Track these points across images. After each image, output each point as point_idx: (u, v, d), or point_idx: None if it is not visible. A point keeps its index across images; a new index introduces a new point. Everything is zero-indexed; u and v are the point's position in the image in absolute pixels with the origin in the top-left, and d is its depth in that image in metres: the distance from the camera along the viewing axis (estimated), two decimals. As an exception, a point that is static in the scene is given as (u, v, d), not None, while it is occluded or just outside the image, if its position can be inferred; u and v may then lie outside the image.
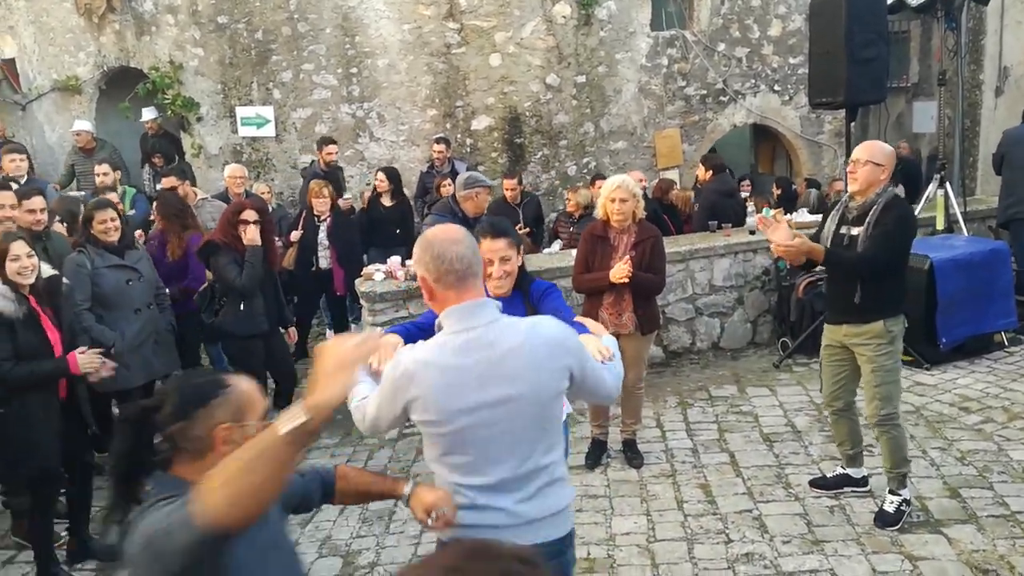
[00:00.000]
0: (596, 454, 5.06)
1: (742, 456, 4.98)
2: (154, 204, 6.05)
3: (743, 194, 9.33)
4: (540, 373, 2.20)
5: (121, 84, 9.82)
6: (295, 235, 6.87)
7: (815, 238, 4.14)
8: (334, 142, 8.23)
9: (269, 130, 9.41)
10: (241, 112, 9.40)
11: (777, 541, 4.03)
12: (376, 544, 4.32)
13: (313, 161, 8.20)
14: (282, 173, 9.56)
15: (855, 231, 3.96)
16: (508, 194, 7.72)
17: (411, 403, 2.18)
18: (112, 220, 4.83)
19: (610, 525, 4.32)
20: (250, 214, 5.15)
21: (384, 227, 7.56)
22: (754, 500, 4.45)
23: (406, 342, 2.53)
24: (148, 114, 9.39)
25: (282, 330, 5.68)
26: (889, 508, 4.09)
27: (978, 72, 11.09)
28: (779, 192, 9.64)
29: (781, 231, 3.91)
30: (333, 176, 7.99)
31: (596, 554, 4.05)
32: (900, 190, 9.84)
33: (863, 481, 4.42)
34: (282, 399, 5.54)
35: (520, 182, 8.00)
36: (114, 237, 4.83)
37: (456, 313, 2.20)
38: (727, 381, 6.31)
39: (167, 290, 5.35)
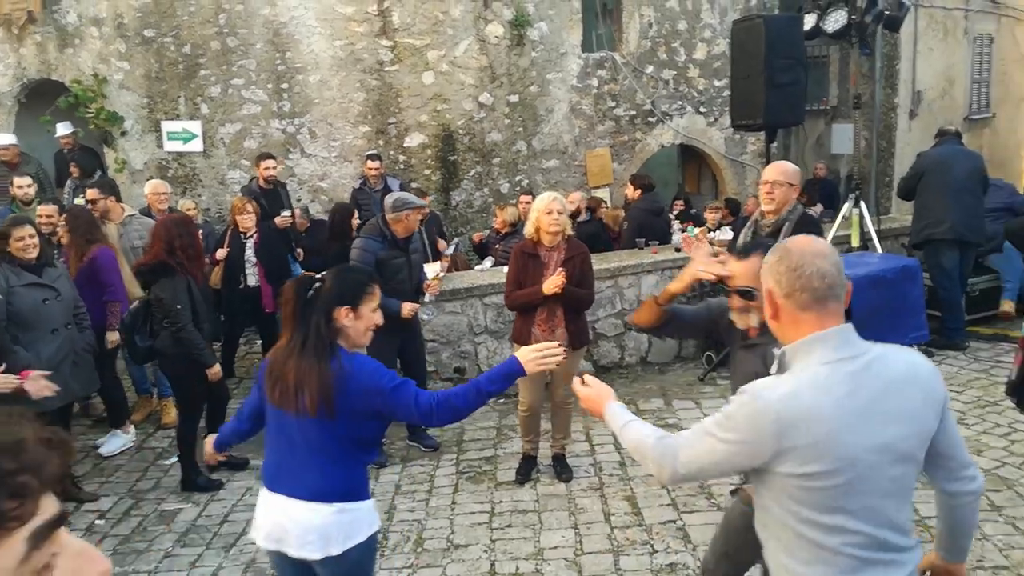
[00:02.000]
0: (526, 469, 5.10)
1: (668, 468, 5.08)
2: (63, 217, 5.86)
3: (674, 212, 9.56)
4: (926, 410, 1.90)
5: (42, 97, 9.55)
6: (220, 253, 6.76)
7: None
8: (272, 157, 7.99)
9: (196, 145, 9.26)
10: (167, 126, 9.23)
11: (700, 551, 4.13)
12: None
13: (252, 179, 8.00)
14: (209, 189, 9.41)
15: None
16: None
17: (787, 452, 1.79)
18: (31, 237, 4.70)
19: (539, 539, 4.36)
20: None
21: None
22: (678, 511, 4.55)
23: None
24: (62, 129, 9.07)
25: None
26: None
27: (893, 96, 11.61)
28: (727, 211, 9.88)
29: (701, 252, 4.03)
30: (275, 193, 7.82)
31: (524, 569, 4.08)
32: (819, 208, 10.23)
33: None
34: (214, 421, 5.42)
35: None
36: (32, 254, 4.69)
37: (831, 339, 1.88)
38: (654, 395, 6.43)
39: (85, 308, 5.20)
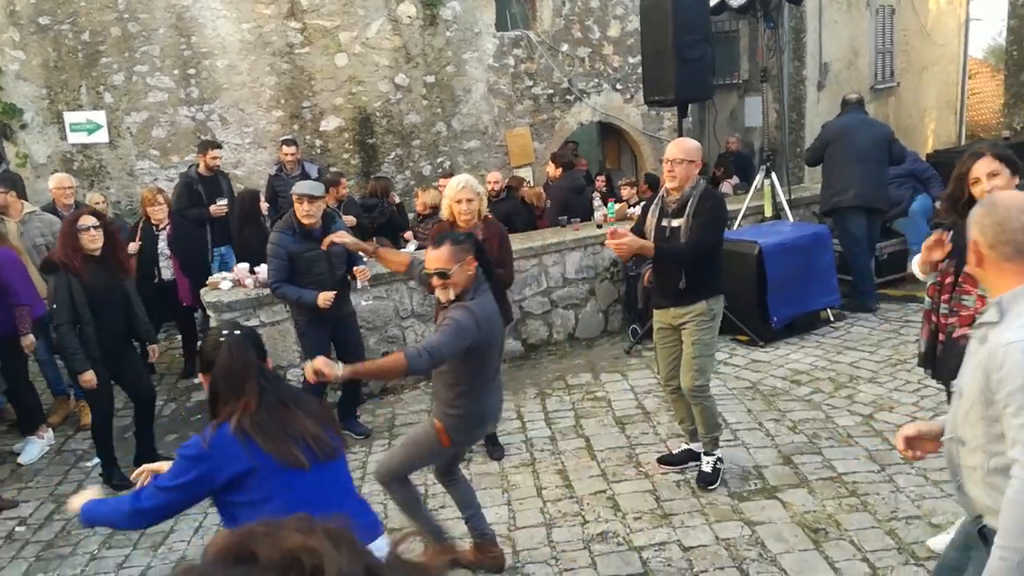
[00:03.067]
0: (457, 450, 5.12)
1: (597, 440, 5.18)
2: None
3: (598, 191, 9.65)
4: None
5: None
6: (133, 247, 6.52)
7: (638, 232, 4.39)
8: (218, 146, 7.74)
9: (102, 136, 8.91)
10: (70, 117, 8.86)
11: (629, 518, 4.22)
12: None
13: (191, 166, 7.69)
14: (118, 181, 9.07)
15: (676, 223, 4.27)
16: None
17: None
18: None
19: (472, 518, 4.38)
20: (87, 219, 4.84)
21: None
22: (608, 481, 4.64)
23: None
24: None
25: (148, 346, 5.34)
26: (707, 468, 4.47)
27: (801, 68, 11.90)
28: (646, 187, 10.01)
29: (617, 236, 4.17)
30: (214, 181, 7.57)
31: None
32: (734, 181, 10.46)
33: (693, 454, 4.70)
34: (142, 422, 5.28)
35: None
36: None
37: None
38: (583, 369, 6.52)
39: None
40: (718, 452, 4.53)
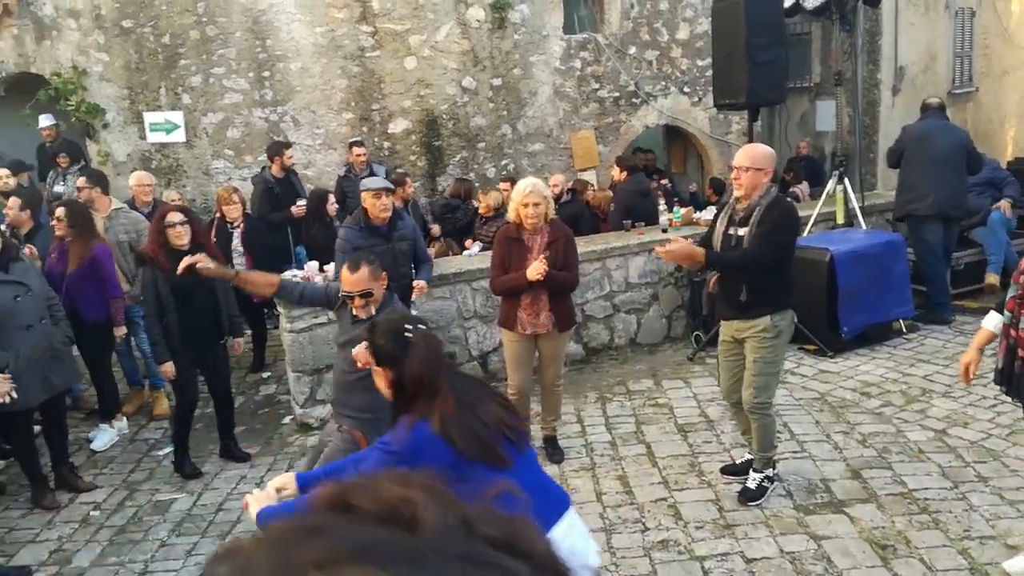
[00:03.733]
0: (517, 452, 5.13)
1: (658, 447, 5.13)
2: (58, 210, 5.78)
3: (661, 189, 9.58)
4: None
5: (21, 91, 9.45)
6: (208, 244, 6.74)
7: (707, 241, 4.32)
8: (290, 146, 7.94)
9: (179, 135, 9.20)
10: (149, 118, 9.17)
11: (691, 527, 4.18)
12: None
13: (264, 168, 7.91)
14: (194, 179, 9.36)
15: (742, 232, 4.15)
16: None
17: None
18: None
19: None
20: (174, 216, 5.01)
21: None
22: (669, 489, 4.60)
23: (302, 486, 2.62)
24: (45, 121, 8.98)
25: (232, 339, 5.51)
26: (751, 485, 4.36)
27: (876, 72, 11.61)
28: (711, 191, 9.92)
29: (670, 246, 4.13)
30: (288, 182, 7.75)
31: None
32: (804, 186, 10.26)
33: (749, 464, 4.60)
34: (221, 415, 5.46)
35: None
36: None
37: None
38: (644, 375, 6.47)
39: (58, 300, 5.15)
40: (769, 471, 4.40)
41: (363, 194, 5.25)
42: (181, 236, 4.93)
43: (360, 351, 3.03)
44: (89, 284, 5.48)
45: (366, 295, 3.69)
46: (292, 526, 0.53)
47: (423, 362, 2.47)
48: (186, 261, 4.10)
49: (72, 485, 5.11)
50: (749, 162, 4.09)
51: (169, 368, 5.06)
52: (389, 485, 0.57)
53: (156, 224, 5.03)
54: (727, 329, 4.37)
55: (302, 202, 7.49)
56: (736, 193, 4.19)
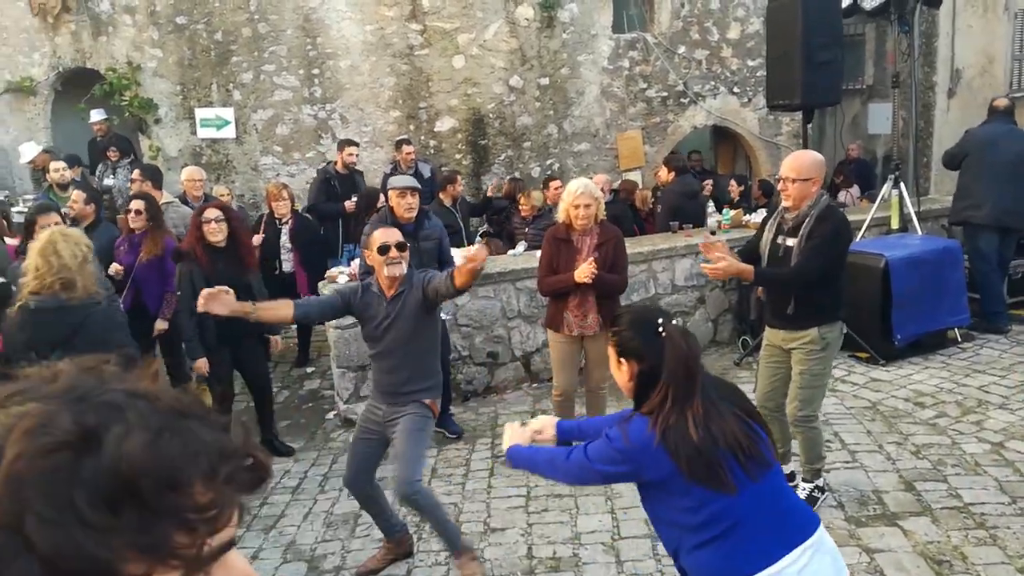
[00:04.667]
0: (561, 454, 5.09)
1: (704, 453, 5.05)
2: (135, 202, 5.85)
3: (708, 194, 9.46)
4: None
5: (77, 85, 9.66)
6: (256, 239, 6.80)
7: (753, 246, 4.23)
8: (355, 144, 8.04)
9: (229, 132, 9.33)
10: (200, 113, 9.30)
11: (739, 536, 4.10)
12: (341, 548, 4.31)
13: (330, 163, 8.06)
14: (243, 175, 9.47)
15: (790, 242, 4.03)
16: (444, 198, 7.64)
17: None
18: (56, 225, 4.74)
19: (575, 524, 4.36)
20: (211, 212, 5.07)
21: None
22: (716, 496, 4.52)
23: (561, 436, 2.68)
24: (96, 115, 9.14)
25: (270, 337, 5.53)
26: (801, 495, 4.22)
27: (931, 74, 11.34)
28: (740, 189, 9.77)
29: (716, 252, 3.99)
30: (350, 179, 7.85)
31: (562, 553, 4.08)
32: (855, 190, 10.06)
33: (790, 476, 4.48)
34: (261, 410, 5.50)
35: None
36: None
37: None
38: (690, 379, 6.37)
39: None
40: (819, 481, 4.31)
41: (389, 192, 5.27)
42: (215, 233, 4.99)
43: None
44: (155, 277, 5.60)
45: (402, 246, 3.72)
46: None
47: (681, 358, 2.29)
48: (204, 298, 3.53)
49: None
50: (795, 173, 3.96)
51: (202, 364, 5.11)
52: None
53: (195, 219, 5.11)
54: (773, 336, 4.27)
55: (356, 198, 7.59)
56: (784, 203, 4.08)
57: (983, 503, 4.25)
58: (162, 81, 9.35)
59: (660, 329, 2.34)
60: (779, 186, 4.13)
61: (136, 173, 6.41)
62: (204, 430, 0.71)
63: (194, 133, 9.40)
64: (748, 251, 4.35)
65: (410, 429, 3.79)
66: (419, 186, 5.33)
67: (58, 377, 0.70)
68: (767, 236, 4.20)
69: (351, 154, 7.78)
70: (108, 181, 8.52)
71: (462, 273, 3.62)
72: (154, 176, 6.43)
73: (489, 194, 8.93)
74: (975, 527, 4.04)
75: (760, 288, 6.67)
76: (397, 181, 5.32)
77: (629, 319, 2.51)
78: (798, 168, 3.98)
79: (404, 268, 3.73)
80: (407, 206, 5.11)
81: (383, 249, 3.70)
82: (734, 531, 2.27)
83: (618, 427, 2.37)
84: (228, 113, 9.29)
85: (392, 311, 3.79)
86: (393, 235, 3.76)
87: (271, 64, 9.24)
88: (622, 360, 2.45)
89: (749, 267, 4.04)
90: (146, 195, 5.94)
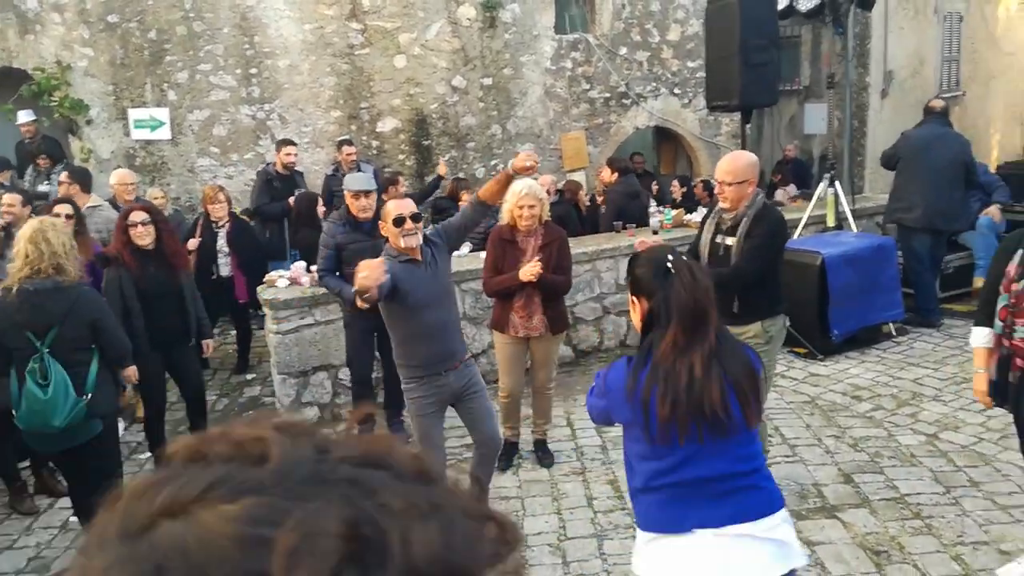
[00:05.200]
0: (508, 455, 5.07)
1: (649, 451, 5.08)
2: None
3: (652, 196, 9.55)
4: None
5: (3, 86, 9.30)
6: (193, 243, 6.63)
7: (693, 247, 4.29)
8: (293, 143, 7.89)
9: (164, 133, 9.08)
10: (134, 114, 9.04)
11: (684, 533, 4.13)
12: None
13: (269, 164, 7.87)
14: (178, 177, 9.24)
15: (729, 241, 4.12)
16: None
17: None
18: None
19: (522, 525, 4.34)
20: (137, 215, 4.90)
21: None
22: (661, 494, 4.55)
23: None
24: (24, 116, 8.75)
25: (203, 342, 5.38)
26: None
27: (865, 75, 11.63)
28: (683, 190, 9.90)
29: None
30: (290, 179, 7.71)
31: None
32: (791, 189, 10.26)
33: None
34: (195, 417, 5.36)
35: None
36: None
37: None
38: (634, 378, 6.42)
39: None
40: None
41: (345, 193, 5.24)
42: (143, 236, 4.84)
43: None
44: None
45: (416, 217, 3.79)
46: (143, 481, 0.51)
47: (689, 293, 2.28)
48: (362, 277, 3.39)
49: (52, 490, 4.99)
50: (731, 177, 4.04)
51: (132, 372, 4.91)
52: (240, 428, 0.54)
53: (120, 223, 4.93)
54: None
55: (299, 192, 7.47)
56: (722, 205, 4.15)
57: (919, 493, 4.36)
58: (93, 81, 9.06)
59: (669, 265, 2.34)
60: (716, 189, 4.21)
61: (64, 175, 6.18)
62: (455, 499, 0.54)
63: (127, 134, 9.13)
64: (692, 252, 4.40)
65: (483, 388, 4.11)
66: (373, 187, 5.30)
67: (264, 453, 0.52)
68: (706, 236, 4.26)
69: (289, 154, 7.64)
70: (43, 188, 8.21)
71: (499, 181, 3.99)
72: (82, 179, 6.21)
73: (441, 172, 8.88)
74: (911, 517, 4.14)
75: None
76: (352, 183, 5.28)
77: (643, 257, 2.54)
78: (733, 171, 4.05)
79: (420, 239, 3.82)
80: (361, 207, 5.08)
81: (399, 221, 3.75)
82: (669, 489, 2.35)
83: (611, 364, 2.53)
84: (163, 114, 9.05)
85: (431, 270, 3.89)
86: (408, 206, 3.82)
87: (207, 63, 9.04)
88: (634, 298, 2.49)
89: None
90: (69, 199, 5.73)
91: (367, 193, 5.12)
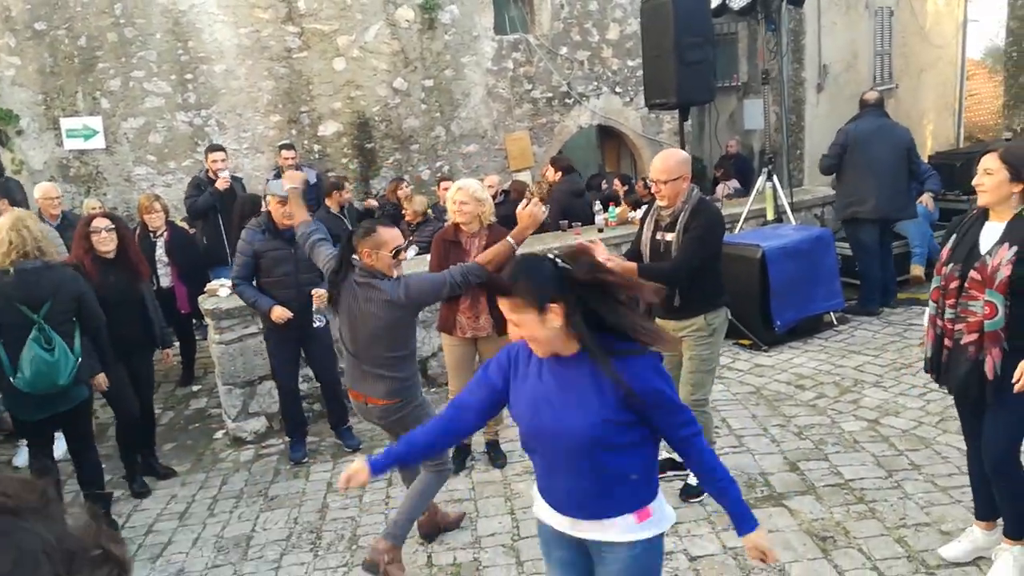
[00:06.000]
0: (460, 457, 5.05)
1: (600, 448, 5.10)
2: None
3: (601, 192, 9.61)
4: None
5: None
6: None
7: (635, 244, 4.34)
8: (221, 149, 7.58)
9: (98, 142, 8.86)
10: (66, 124, 8.80)
11: (635, 528, 4.16)
12: (233, 573, 4.14)
13: (204, 170, 7.61)
14: (115, 187, 9.02)
15: (669, 236, 4.19)
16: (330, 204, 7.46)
17: None
18: None
19: (475, 527, 4.33)
20: (101, 221, 4.80)
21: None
22: (612, 490, 4.57)
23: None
24: None
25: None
26: (692, 481, 4.36)
27: (800, 70, 11.89)
28: (625, 188, 9.98)
29: (598, 252, 4.03)
30: (228, 187, 7.50)
31: (462, 558, 4.05)
32: (733, 183, 10.42)
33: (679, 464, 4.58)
34: (145, 431, 5.23)
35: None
36: None
37: None
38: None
39: None
40: None
41: (268, 198, 5.10)
42: (105, 242, 4.76)
43: None
44: None
45: (398, 251, 3.86)
46: None
47: (591, 269, 2.25)
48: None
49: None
50: (665, 175, 4.11)
51: (102, 380, 4.76)
52: None
53: (82, 230, 4.83)
54: (664, 327, 4.38)
55: (224, 174, 7.22)
56: (659, 202, 4.22)
57: (862, 478, 4.46)
58: (22, 90, 8.79)
59: (555, 259, 2.22)
60: (653, 188, 4.27)
61: None
62: (43, 527, 0.56)
63: (60, 144, 8.89)
64: (634, 250, 4.45)
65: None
66: (278, 193, 5.15)
67: None
68: (646, 234, 4.31)
69: (215, 160, 7.31)
70: None
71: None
72: (10, 192, 6.02)
73: (367, 204, 8.68)
74: (855, 502, 4.23)
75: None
76: (277, 188, 5.14)
77: (520, 268, 2.30)
78: (667, 169, 4.12)
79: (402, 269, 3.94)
80: (284, 213, 4.96)
81: (398, 252, 3.80)
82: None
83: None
84: (96, 122, 8.83)
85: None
86: (400, 237, 3.86)
87: (140, 70, 8.83)
88: (545, 309, 2.19)
89: (632, 264, 4.14)
90: None
91: (279, 198, 4.97)
